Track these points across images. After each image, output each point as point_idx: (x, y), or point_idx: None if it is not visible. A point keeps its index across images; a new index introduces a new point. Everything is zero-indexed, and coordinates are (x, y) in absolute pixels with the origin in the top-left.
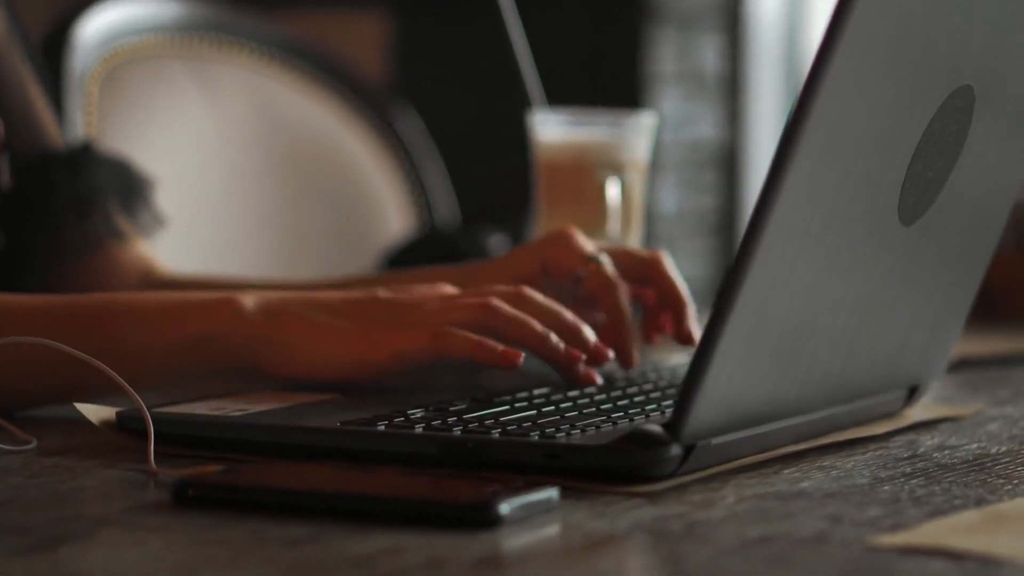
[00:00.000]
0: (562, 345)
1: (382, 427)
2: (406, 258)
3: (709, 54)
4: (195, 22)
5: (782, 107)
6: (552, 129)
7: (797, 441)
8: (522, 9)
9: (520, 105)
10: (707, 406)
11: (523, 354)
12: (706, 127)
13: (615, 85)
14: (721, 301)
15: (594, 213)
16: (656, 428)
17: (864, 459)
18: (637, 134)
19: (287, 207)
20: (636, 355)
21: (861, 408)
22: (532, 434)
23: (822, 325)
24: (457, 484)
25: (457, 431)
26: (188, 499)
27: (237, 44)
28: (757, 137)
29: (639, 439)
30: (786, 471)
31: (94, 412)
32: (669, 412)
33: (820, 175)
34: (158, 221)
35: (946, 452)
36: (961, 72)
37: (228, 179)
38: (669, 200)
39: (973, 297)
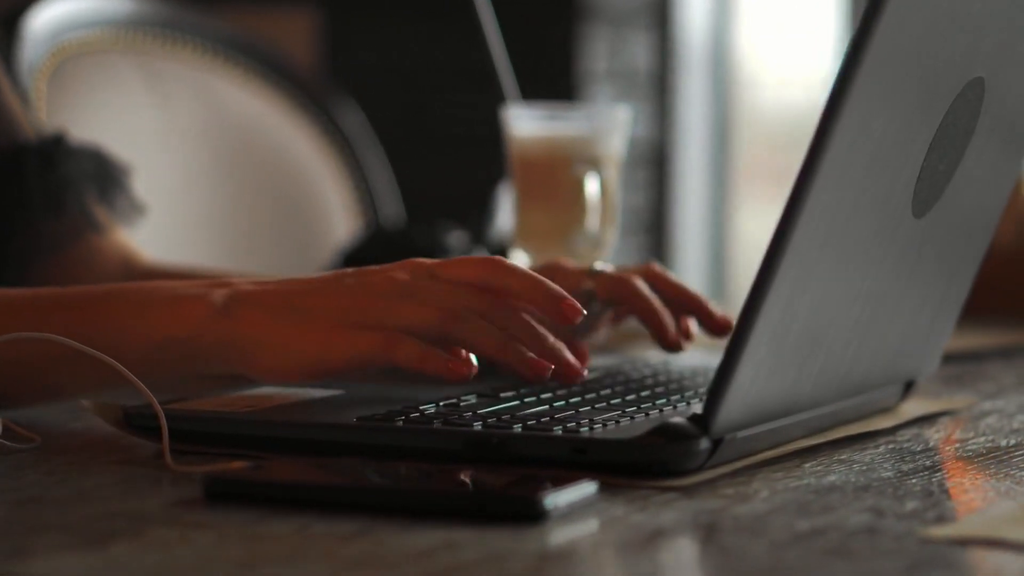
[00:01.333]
0: (526, 354)
1: (401, 422)
2: (363, 255)
3: (640, 53)
4: (142, 18)
5: (710, 105)
6: (527, 124)
7: (808, 435)
8: (457, 8)
9: (453, 102)
10: (735, 401)
11: (472, 370)
12: (637, 126)
13: (549, 83)
14: (751, 301)
15: (571, 209)
16: (684, 422)
17: (879, 453)
18: (613, 128)
19: (233, 204)
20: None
21: (863, 402)
22: (555, 429)
23: (838, 320)
24: (495, 478)
25: (477, 426)
26: (220, 495)
27: (182, 41)
28: (686, 135)
29: (668, 433)
30: (807, 465)
31: (101, 409)
32: (683, 407)
33: (846, 174)
34: (137, 208)
35: (957, 446)
36: (975, 63)
37: (174, 176)
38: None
39: (968, 290)
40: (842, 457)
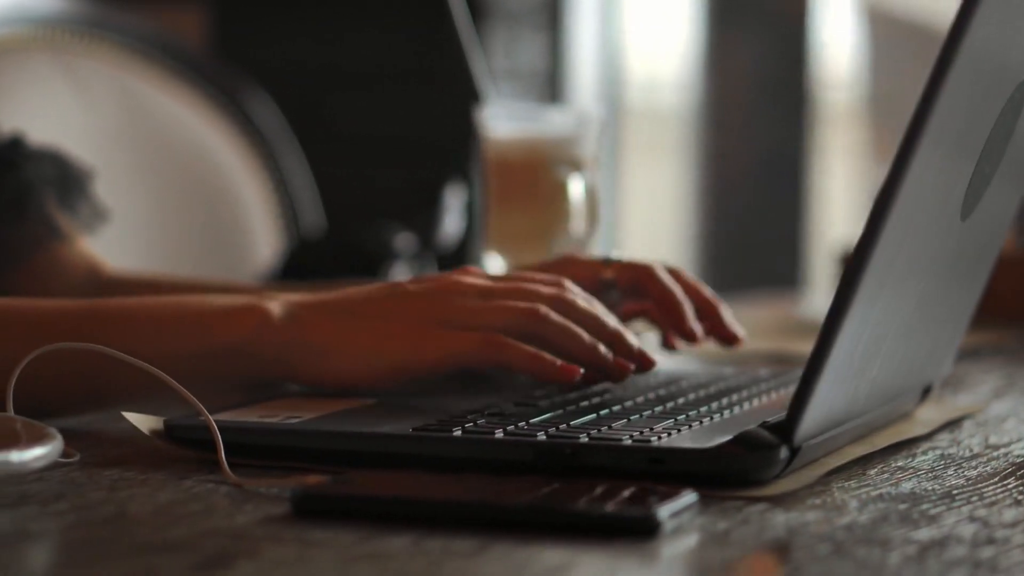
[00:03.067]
0: (610, 355)
1: (459, 432)
2: (308, 259)
3: (533, 52)
4: (63, 16)
5: (597, 104)
6: (504, 125)
7: (852, 443)
8: (357, 11)
9: (352, 101)
10: (813, 411)
11: (581, 369)
12: None
13: (449, 83)
14: (834, 313)
15: (553, 211)
16: (764, 431)
17: (931, 459)
18: (592, 129)
19: (154, 205)
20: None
21: (894, 408)
22: (624, 438)
23: (895, 327)
24: (596, 492)
25: (541, 437)
26: (308, 511)
27: (101, 38)
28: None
29: (749, 442)
30: (871, 472)
31: (142, 421)
32: (730, 414)
33: (923, 185)
34: (100, 215)
35: (1002, 450)
36: (1022, 67)
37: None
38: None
39: (982, 292)
40: (899, 464)
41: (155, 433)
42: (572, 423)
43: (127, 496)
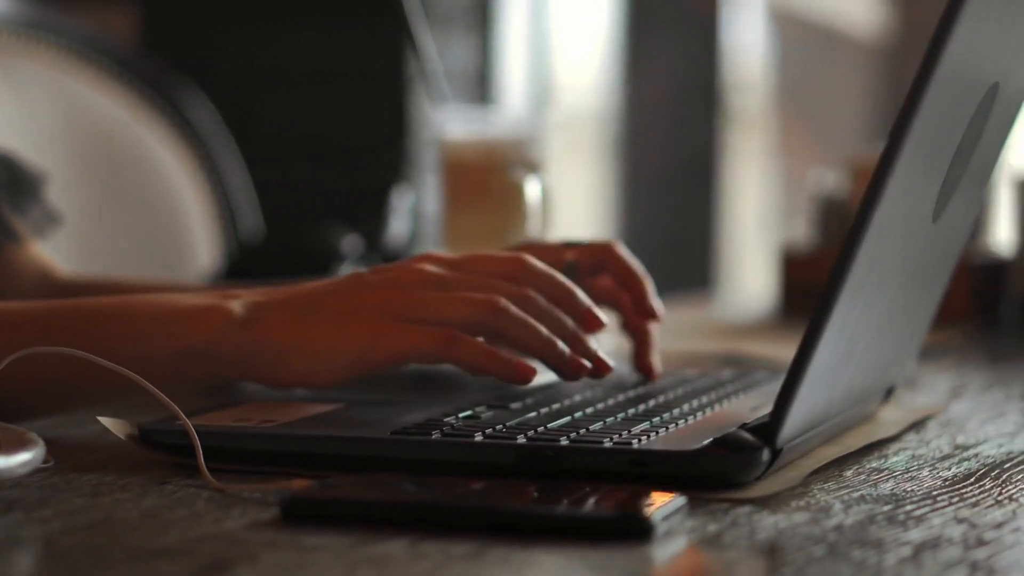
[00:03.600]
0: (567, 352)
1: (440, 436)
2: (253, 261)
3: (463, 53)
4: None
5: (526, 106)
6: (460, 127)
7: (824, 444)
8: (292, 11)
9: (281, 103)
10: (795, 413)
11: (536, 370)
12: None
13: (383, 86)
14: (818, 317)
15: (509, 213)
16: (746, 434)
17: (903, 460)
18: (544, 132)
19: (93, 208)
20: (659, 306)
21: (860, 409)
22: (605, 441)
23: (869, 329)
24: (584, 494)
25: (521, 440)
26: (297, 516)
27: (38, 40)
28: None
29: (732, 444)
30: (847, 474)
31: (116, 426)
32: (701, 415)
33: (904, 192)
34: (52, 219)
35: (971, 451)
36: (995, 68)
37: None
38: (433, 202)
39: (943, 293)
40: (873, 465)
41: (130, 437)
42: (550, 426)
43: (111, 502)
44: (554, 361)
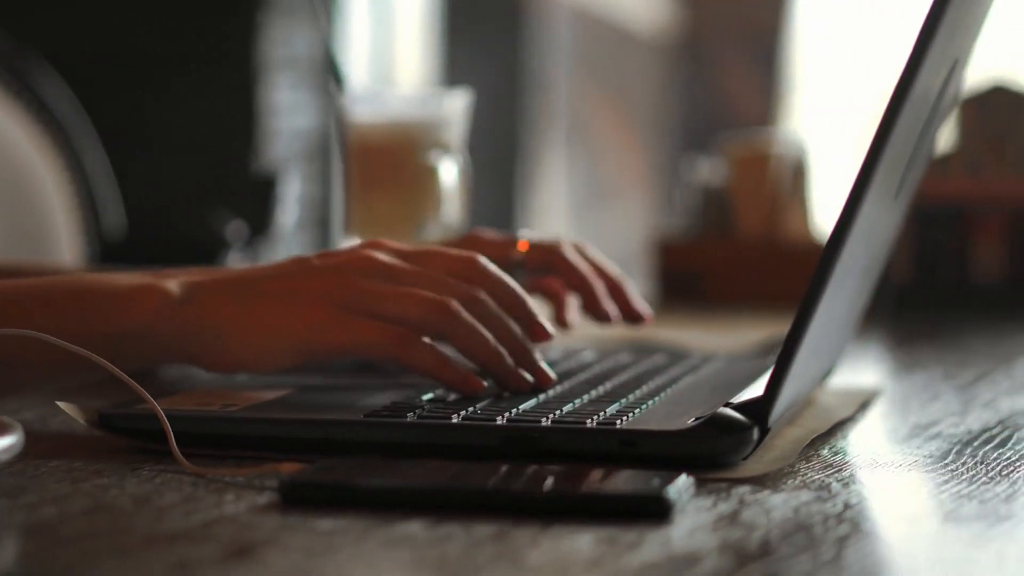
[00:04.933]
0: (511, 365)
1: (416, 417)
2: (133, 247)
3: (309, 41)
4: None
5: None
6: (368, 108)
7: (787, 425)
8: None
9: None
10: (783, 395)
11: (485, 384)
12: (307, 116)
13: (231, 74)
14: (809, 300)
15: (421, 197)
16: (736, 413)
17: (873, 440)
18: (459, 113)
19: None
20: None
21: (810, 391)
22: (588, 421)
23: (839, 309)
24: (592, 475)
25: (500, 421)
26: (297, 499)
27: None
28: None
29: (723, 424)
30: (824, 453)
31: (74, 409)
32: (669, 395)
33: (888, 174)
34: None
35: (932, 430)
36: (958, 47)
37: None
38: (285, 191)
39: (876, 282)
40: (843, 445)
41: (90, 421)
42: (523, 407)
43: (93, 488)
44: (499, 373)
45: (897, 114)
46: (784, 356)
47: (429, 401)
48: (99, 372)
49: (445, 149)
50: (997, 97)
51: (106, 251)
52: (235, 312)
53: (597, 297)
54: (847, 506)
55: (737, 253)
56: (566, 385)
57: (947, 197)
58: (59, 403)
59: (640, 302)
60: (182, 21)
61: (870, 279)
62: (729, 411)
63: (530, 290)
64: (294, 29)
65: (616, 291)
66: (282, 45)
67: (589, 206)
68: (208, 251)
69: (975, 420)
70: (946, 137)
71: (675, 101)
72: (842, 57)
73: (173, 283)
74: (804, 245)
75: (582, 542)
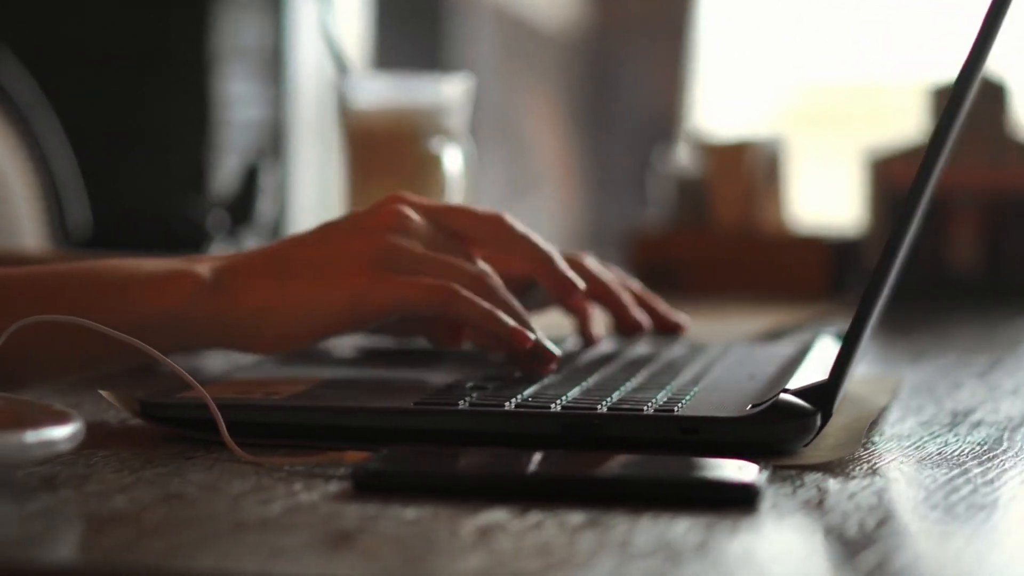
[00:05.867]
0: (535, 339)
1: (468, 405)
2: (111, 237)
3: (258, 31)
4: None
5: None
6: (370, 94)
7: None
8: None
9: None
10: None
11: (533, 337)
12: (256, 108)
13: (177, 66)
14: (872, 287)
15: (423, 186)
16: (798, 400)
17: (915, 426)
18: (461, 98)
19: None
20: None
21: None
22: (644, 407)
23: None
24: (669, 463)
25: (556, 408)
26: (371, 487)
27: None
28: (299, 116)
29: (787, 410)
30: (875, 440)
31: (116, 398)
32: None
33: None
34: None
35: (972, 417)
36: None
37: None
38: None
39: None
40: (894, 432)
41: (131, 410)
42: (570, 395)
43: (155, 477)
44: (518, 349)
45: (961, 106)
46: (849, 342)
47: (473, 389)
48: (134, 360)
49: (448, 136)
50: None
51: (71, 242)
52: (271, 292)
53: (625, 307)
54: (928, 492)
55: (714, 245)
56: (602, 373)
57: None
58: (101, 392)
59: (673, 312)
60: (134, 11)
61: None
62: (792, 397)
63: (552, 302)
64: (245, 20)
65: (648, 304)
66: (232, 36)
67: (515, 198)
68: (190, 242)
69: (1010, 407)
70: (921, 127)
71: (590, 95)
72: (749, 50)
73: (205, 268)
74: (780, 237)
75: (679, 529)
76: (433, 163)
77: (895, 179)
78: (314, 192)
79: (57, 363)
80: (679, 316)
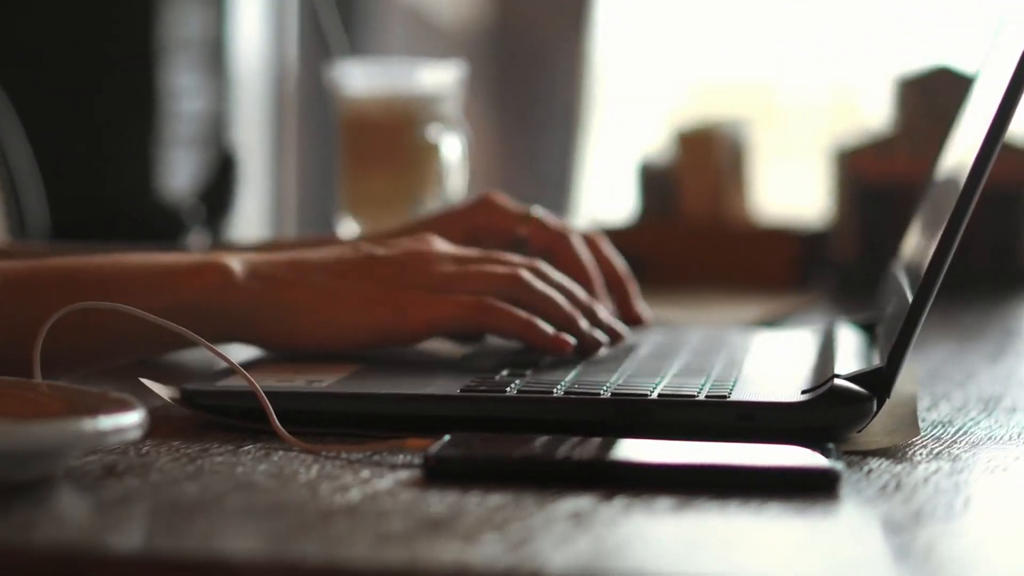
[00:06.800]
0: (587, 327)
1: (515, 392)
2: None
3: (201, 22)
4: None
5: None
6: (363, 80)
7: None
8: None
9: None
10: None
11: (573, 341)
12: (200, 99)
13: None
14: (926, 283)
15: (419, 173)
16: (853, 385)
17: (946, 411)
18: (455, 85)
19: None
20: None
21: None
22: (696, 394)
23: None
24: (748, 451)
25: (606, 394)
26: (442, 474)
27: None
28: (242, 107)
29: (844, 396)
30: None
31: (160, 389)
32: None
33: None
34: None
35: (1002, 404)
36: None
37: None
38: (182, 175)
39: None
40: (936, 418)
41: (172, 398)
42: (615, 381)
43: (218, 466)
44: (576, 335)
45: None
46: (907, 329)
47: (511, 375)
48: (166, 349)
49: (444, 123)
50: (940, 78)
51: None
52: (308, 292)
53: (593, 290)
54: (1001, 473)
55: (682, 236)
56: (633, 360)
57: (890, 177)
58: (143, 379)
59: (641, 304)
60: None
61: None
62: (847, 383)
63: None
64: (189, 11)
65: (618, 288)
66: (177, 28)
67: None
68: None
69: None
70: (890, 118)
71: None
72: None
73: (235, 260)
74: (749, 228)
75: (770, 513)
76: (430, 152)
77: (862, 171)
78: (260, 183)
79: (91, 352)
80: (643, 309)
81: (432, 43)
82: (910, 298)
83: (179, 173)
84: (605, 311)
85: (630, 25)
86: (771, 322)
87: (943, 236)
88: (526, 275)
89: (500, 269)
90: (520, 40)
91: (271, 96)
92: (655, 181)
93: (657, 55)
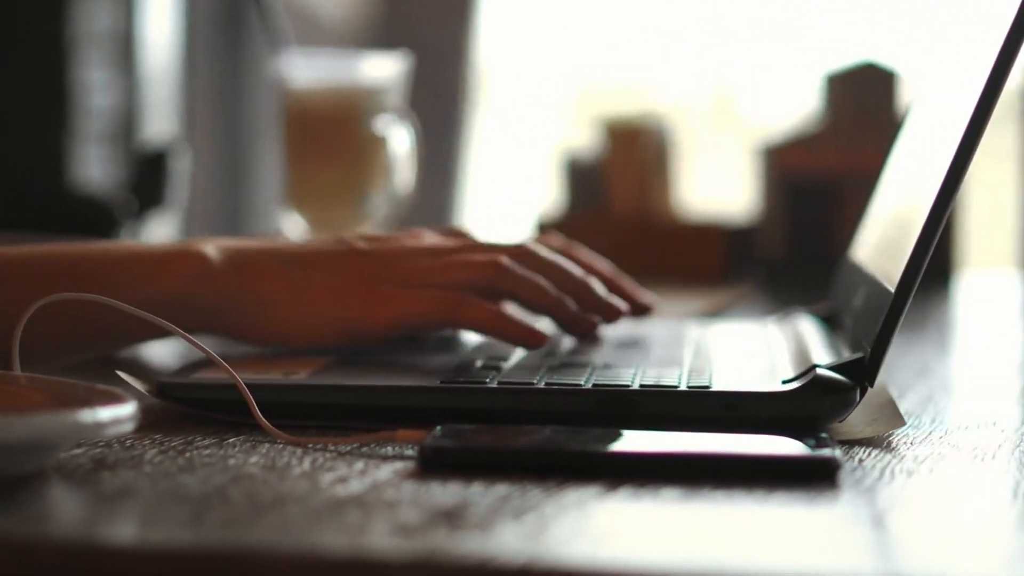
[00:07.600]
0: (576, 309)
1: (490, 383)
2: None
3: (111, 16)
4: None
5: (170, 70)
6: (309, 72)
7: None
8: None
9: None
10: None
11: (549, 335)
12: (107, 95)
13: (33, 52)
14: (908, 276)
15: (367, 168)
16: (836, 374)
17: (918, 401)
18: (402, 76)
19: None
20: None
21: None
22: (677, 384)
23: None
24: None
25: (587, 385)
26: (437, 465)
27: None
28: (151, 102)
29: (828, 385)
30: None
31: (135, 382)
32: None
33: None
34: None
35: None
36: None
37: None
38: (97, 170)
39: None
40: (911, 408)
41: (149, 391)
42: (594, 372)
43: (211, 458)
44: (563, 319)
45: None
46: (891, 318)
47: (487, 368)
48: (144, 340)
49: (391, 115)
50: (865, 73)
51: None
52: (281, 284)
53: (595, 293)
54: (992, 457)
55: (610, 230)
56: (603, 352)
57: (816, 172)
58: (119, 372)
59: (643, 292)
60: None
61: None
62: (830, 372)
63: None
64: (98, 5)
65: (614, 286)
66: (87, 22)
67: None
68: (103, 226)
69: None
70: (814, 113)
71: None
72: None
73: (211, 248)
74: (677, 223)
75: (778, 500)
76: (377, 144)
77: (788, 166)
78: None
79: (66, 344)
80: (647, 296)
81: (317, 38)
82: (890, 288)
83: (92, 168)
84: (602, 286)
85: (515, 25)
86: (714, 315)
87: (926, 226)
88: (505, 261)
89: (479, 257)
90: (405, 36)
91: (182, 90)
92: (581, 175)
93: (542, 55)
